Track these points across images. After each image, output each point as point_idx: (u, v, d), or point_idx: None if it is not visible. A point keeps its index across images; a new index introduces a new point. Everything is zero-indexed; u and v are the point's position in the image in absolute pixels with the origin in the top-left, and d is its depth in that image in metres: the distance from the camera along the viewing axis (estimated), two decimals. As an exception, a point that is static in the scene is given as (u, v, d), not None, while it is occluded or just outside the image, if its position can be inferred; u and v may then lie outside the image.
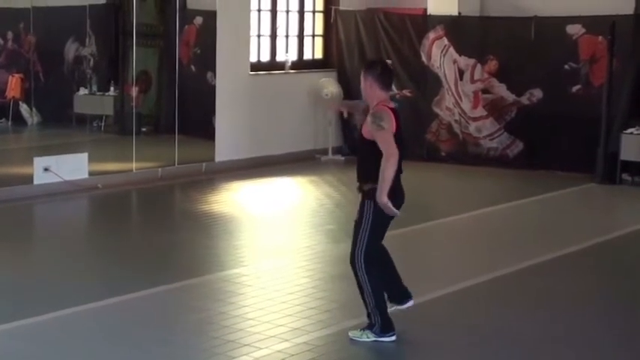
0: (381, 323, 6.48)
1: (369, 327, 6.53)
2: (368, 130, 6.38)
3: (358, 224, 6.44)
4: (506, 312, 7.30)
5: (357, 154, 6.63)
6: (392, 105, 6.44)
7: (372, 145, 6.33)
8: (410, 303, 6.74)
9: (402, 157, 6.40)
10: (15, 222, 10.22)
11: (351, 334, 6.57)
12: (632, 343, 6.72)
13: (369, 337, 6.51)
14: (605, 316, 7.33)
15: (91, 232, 10.23)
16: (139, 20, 12.38)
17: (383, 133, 6.27)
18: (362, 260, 6.40)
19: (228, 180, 12.59)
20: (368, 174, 6.38)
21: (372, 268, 6.43)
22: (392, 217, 6.47)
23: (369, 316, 6.54)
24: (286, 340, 6.42)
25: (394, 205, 6.31)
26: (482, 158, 13.98)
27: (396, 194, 6.37)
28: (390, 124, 6.28)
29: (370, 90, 6.45)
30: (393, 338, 6.51)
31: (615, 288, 8.11)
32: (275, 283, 7.83)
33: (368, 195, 6.36)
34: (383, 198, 6.24)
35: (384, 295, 6.53)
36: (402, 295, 6.70)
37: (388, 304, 6.60)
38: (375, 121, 6.31)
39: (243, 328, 6.65)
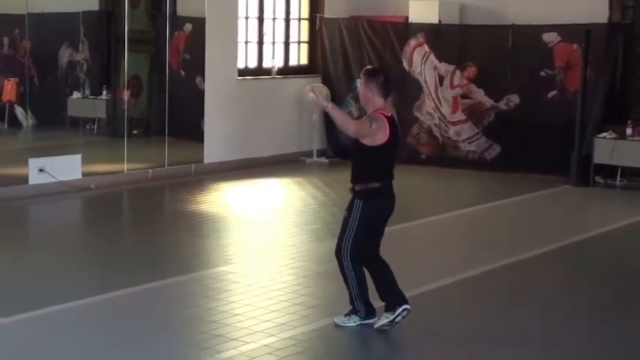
0: (365, 309, 6.79)
1: (354, 312, 6.82)
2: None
3: (346, 220, 6.73)
4: (480, 310, 7.39)
5: (352, 159, 6.88)
6: (388, 113, 6.68)
7: (365, 150, 6.66)
8: (405, 306, 6.82)
9: (394, 163, 6.80)
10: (10, 221, 10.23)
11: (336, 319, 6.83)
12: (601, 341, 6.82)
13: (355, 322, 6.80)
14: (575, 314, 7.39)
15: (84, 231, 10.26)
16: (130, 27, 12.41)
17: (369, 128, 6.56)
18: (348, 252, 6.70)
19: (216, 181, 12.64)
20: (359, 176, 6.73)
21: (356, 260, 6.73)
22: (381, 218, 6.79)
23: (352, 302, 6.81)
24: (272, 335, 6.49)
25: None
26: (461, 161, 14.10)
27: (383, 195, 6.71)
28: (382, 131, 6.57)
29: (371, 96, 6.68)
30: (375, 319, 6.80)
31: (586, 286, 8.21)
32: (261, 280, 7.88)
33: (358, 195, 6.70)
34: (327, 105, 6.51)
35: (366, 282, 6.80)
36: (401, 299, 6.82)
37: (384, 316, 6.79)
38: (370, 121, 6.61)
39: (230, 324, 6.71)
